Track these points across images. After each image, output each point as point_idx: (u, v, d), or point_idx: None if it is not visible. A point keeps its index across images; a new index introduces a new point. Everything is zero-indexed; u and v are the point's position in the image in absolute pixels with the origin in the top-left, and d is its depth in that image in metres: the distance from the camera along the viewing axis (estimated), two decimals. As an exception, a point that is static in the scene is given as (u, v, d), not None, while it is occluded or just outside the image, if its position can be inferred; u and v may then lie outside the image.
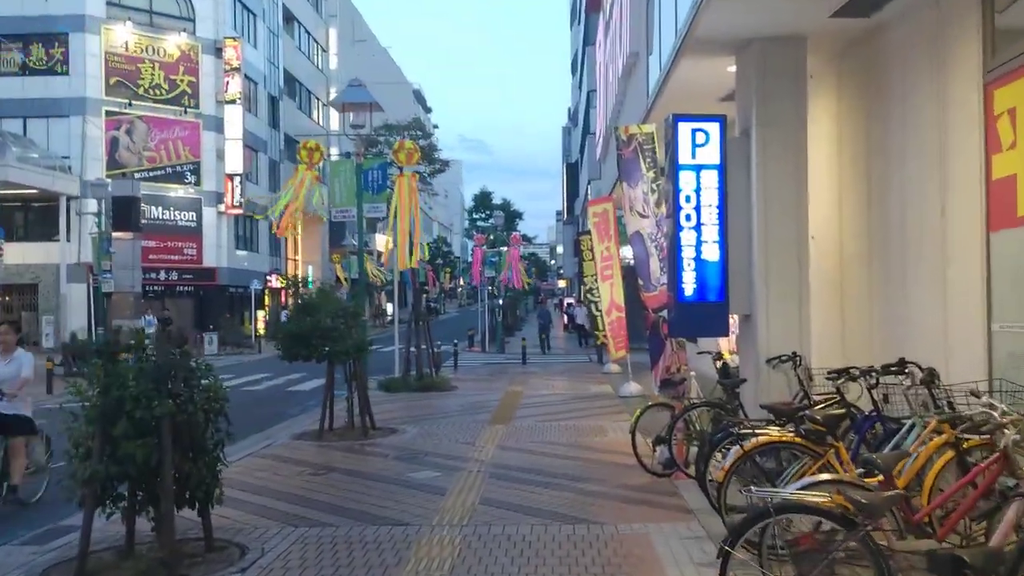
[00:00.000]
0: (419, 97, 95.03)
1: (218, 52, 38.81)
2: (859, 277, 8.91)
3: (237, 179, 39.42)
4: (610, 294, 15.98)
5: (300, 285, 48.55)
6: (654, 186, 9.73)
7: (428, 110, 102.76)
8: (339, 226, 54.17)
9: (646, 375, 19.83)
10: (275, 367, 21.85)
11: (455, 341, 26.00)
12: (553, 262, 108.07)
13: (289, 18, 49.67)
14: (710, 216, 8.67)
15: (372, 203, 14.10)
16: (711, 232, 8.67)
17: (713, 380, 12.35)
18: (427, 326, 18.46)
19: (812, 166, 8.77)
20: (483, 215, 40.81)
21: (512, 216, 41.49)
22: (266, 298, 44.73)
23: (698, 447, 7.96)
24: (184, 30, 37.97)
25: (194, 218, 38.15)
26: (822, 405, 7.46)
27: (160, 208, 37.29)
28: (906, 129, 7.80)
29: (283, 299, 47.98)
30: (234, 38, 39.25)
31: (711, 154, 8.68)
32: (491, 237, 35.30)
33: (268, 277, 44.55)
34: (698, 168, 8.68)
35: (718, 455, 6.53)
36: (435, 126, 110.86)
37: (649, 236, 10.00)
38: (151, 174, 37.08)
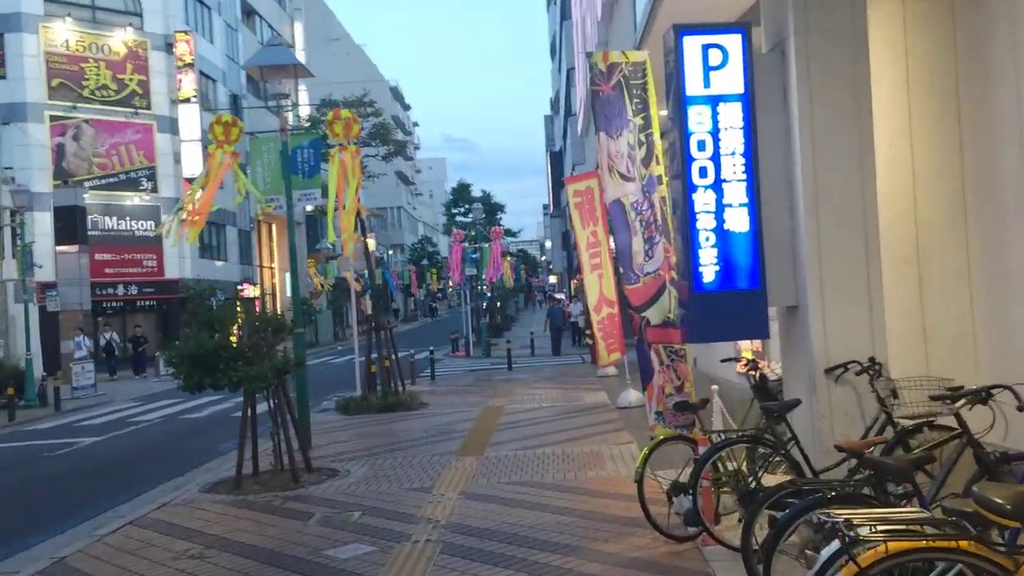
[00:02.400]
0: (396, 94, 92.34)
1: (169, 48, 36.14)
2: (947, 253, 6.34)
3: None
4: (599, 288, 13.40)
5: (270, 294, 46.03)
6: (642, 137, 7.11)
7: (407, 107, 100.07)
8: (315, 230, 51.51)
9: None
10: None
11: (431, 348, 23.38)
12: (543, 258, 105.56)
13: (249, 12, 46.92)
14: (734, 169, 6.08)
15: (304, 189, 11.54)
16: (737, 192, 6.09)
17: (737, 397, 9.78)
18: (389, 335, 15.84)
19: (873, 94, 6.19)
20: (462, 209, 38.12)
21: (494, 209, 38.81)
22: (238, 308, 42.01)
23: (740, 504, 5.40)
24: (130, 25, 35.26)
25: (153, 227, 35.42)
26: (933, 442, 4.90)
27: (115, 218, 34.65)
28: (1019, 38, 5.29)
29: (256, 309, 45.33)
30: (185, 32, 36.56)
31: (732, 80, 6.09)
32: (472, 233, 32.70)
33: (240, 287, 41.85)
34: (714, 100, 6.09)
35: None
36: (415, 124, 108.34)
37: (632, 207, 7.31)
38: (103, 181, 34.44)
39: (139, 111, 35.02)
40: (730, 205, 6.14)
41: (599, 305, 13.50)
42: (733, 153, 6.13)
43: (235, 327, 10.31)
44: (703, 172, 6.12)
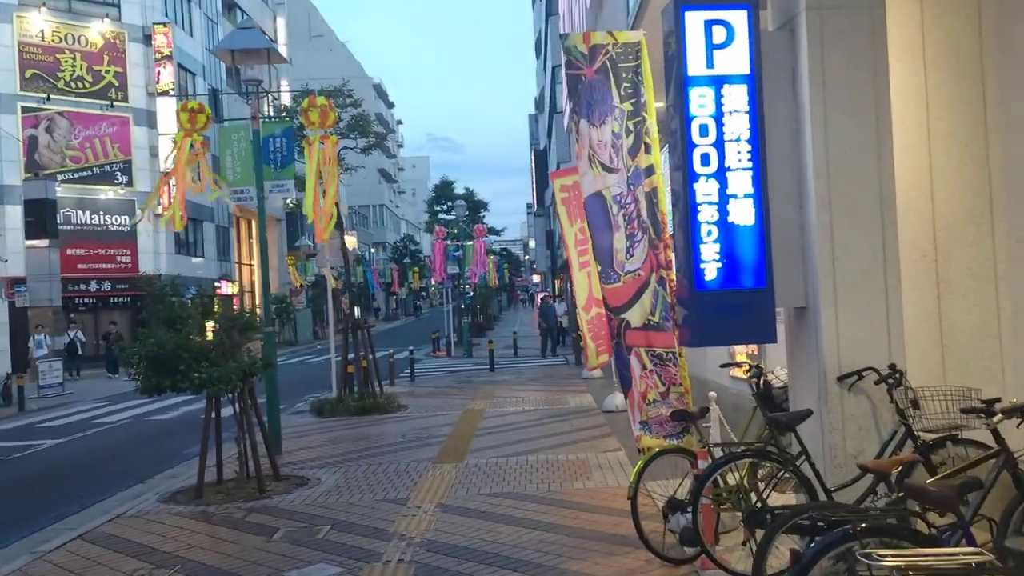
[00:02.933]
0: (380, 92, 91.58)
1: (147, 40, 35.31)
2: (969, 251, 5.82)
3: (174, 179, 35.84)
4: (588, 286, 12.85)
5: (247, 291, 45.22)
6: (630, 125, 6.54)
7: (390, 105, 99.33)
8: (295, 226, 50.72)
9: None
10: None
11: (411, 348, 22.77)
12: (527, 257, 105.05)
13: (230, 5, 46.12)
14: (739, 156, 5.54)
15: (276, 180, 10.91)
16: (741, 181, 5.55)
17: (731, 404, 9.27)
18: (367, 335, 15.23)
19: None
20: (445, 206, 37.42)
21: (477, 206, 38.16)
22: (216, 307, 41.22)
23: (745, 525, 4.88)
24: (108, 16, 34.44)
25: (127, 222, 34.58)
26: (964, 461, 4.39)
27: (88, 212, 33.82)
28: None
29: (234, 307, 44.55)
30: (164, 24, 35.76)
31: (737, 59, 5.55)
32: (454, 231, 32.09)
33: (217, 284, 41.06)
34: (718, 82, 5.54)
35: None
36: (399, 121, 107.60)
37: (615, 200, 6.67)
38: (77, 175, 33.60)
39: (115, 103, 34.17)
40: (734, 196, 5.60)
41: (588, 304, 12.95)
42: (738, 139, 5.59)
43: (205, 325, 9.73)
44: (705, 159, 5.57)
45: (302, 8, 76.63)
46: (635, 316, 6.49)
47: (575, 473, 8.91)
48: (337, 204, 14.56)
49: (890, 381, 5.13)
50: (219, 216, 42.28)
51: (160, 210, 35.64)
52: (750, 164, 5.61)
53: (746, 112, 5.60)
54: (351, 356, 15.03)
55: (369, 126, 14.18)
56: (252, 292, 50.56)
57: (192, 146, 11.00)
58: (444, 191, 38.41)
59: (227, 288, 42.29)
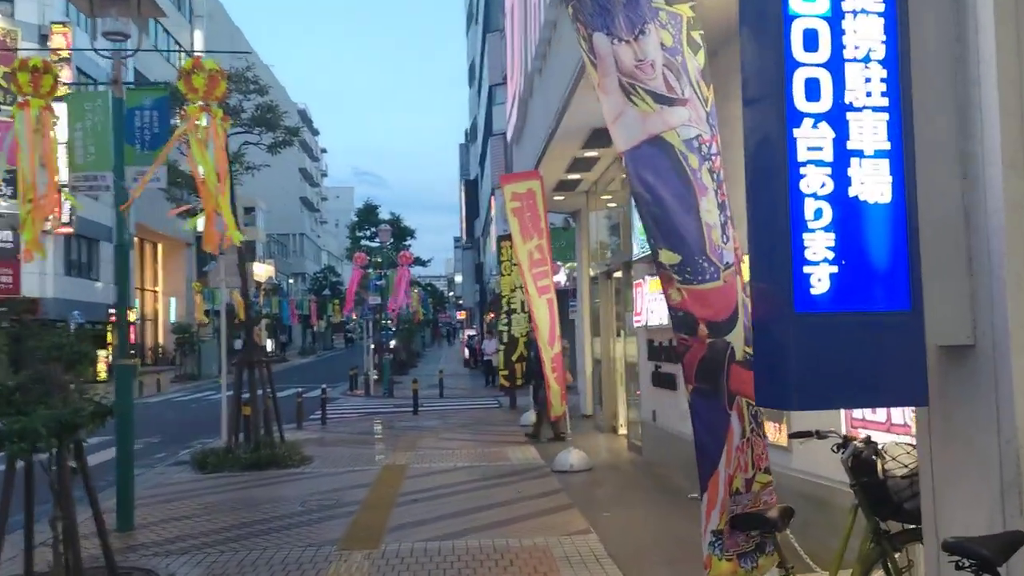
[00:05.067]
0: (305, 117, 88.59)
1: (43, 40, 32.09)
2: None
3: (67, 190, 32.39)
4: (550, 315, 10.53)
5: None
6: (697, 37, 4.15)
7: (315, 132, 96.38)
8: (200, 252, 47.24)
9: (589, 435, 14.56)
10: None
11: (324, 386, 19.99)
12: (452, 293, 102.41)
13: (143, 11, 42.89)
14: (868, 85, 3.28)
15: (144, 165, 8.27)
16: (872, 129, 3.28)
17: (794, 492, 6.89)
18: (267, 373, 12.52)
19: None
20: (368, 232, 34.82)
21: (403, 233, 35.59)
22: (109, 336, 37.52)
23: None
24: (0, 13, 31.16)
25: (10, 238, 30.94)
26: None
27: (-35, 226, 30.10)
28: None
29: (132, 336, 40.82)
30: (63, 23, 32.58)
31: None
32: (378, 259, 29.46)
33: (111, 310, 37.37)
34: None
35: None
36: (323, 150, 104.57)
37: (690, 146, 4.17)
38: (-47, 185, 29.88)
39: (2, 107, 30.69)
40: (860, 154, 3.30)
41: (551, 338, 10.59)
42: (867, 58, 3.30)
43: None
44: (812, 89, 3.27)
45: (225, 29, 73.40)
46: (739, 341, 4.06)
47: (536, 572, 6.43)
48: (234, 209, 11.93)
49: None
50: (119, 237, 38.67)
51: (48, 226, 32.02)
52: (885, 101, 3.32)
53: (880, 13, 3.32)
54: (248, 396, 12.29)
55: (279, 118, 11.82)
56: (155, 321, 46.81)
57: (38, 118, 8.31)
58: (368, 216, 35.75)
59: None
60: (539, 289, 10.66)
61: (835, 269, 3.26)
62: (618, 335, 14.11)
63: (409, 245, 35.28)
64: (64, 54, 32.12)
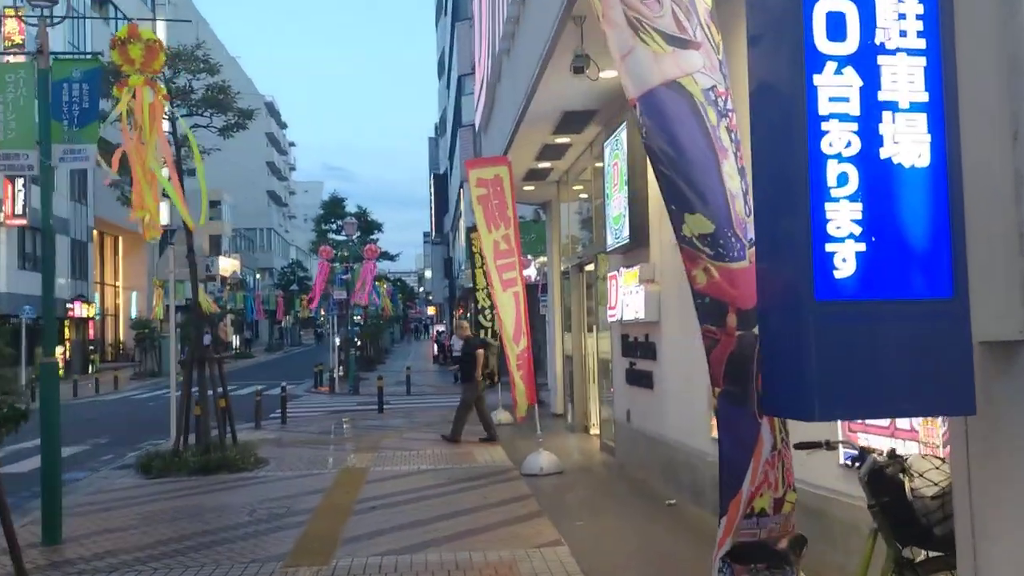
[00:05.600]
0: (272, 110, 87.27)
1: (-5, 21, 30.83)
2: None
3: (21, 182, 31.28)
4: (515, 310, 9.91)
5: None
6: None
7: (283, 125, 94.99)
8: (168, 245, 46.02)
9: (560, 435, 14.05)
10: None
11: (284, 383, 19.22)
12: (422, 289, 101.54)
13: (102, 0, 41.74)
14: (902, 23, 2.70)
15: (73, 144, 7.49)
16: (907, 76, 2.70)
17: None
18: (218, 369, 11.78)
19: None
20: (334, 225, 33.98)
21: (371, 227, 34.70)
22: (67, 331, 36.37)
23: None
24: (-56, -6, 29.92)
25: (-40, 231, 29.90)
26: None
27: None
28: None
29: (91, 332, 39.68)
30: (15, 8, 31.34)
31: None
32: (344, 253, 28.67)
33: (70, 305, 36.27)
34: None
35: None
36: (291, 143, 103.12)
37: (708, 98, 3.53)
38: (-102, 177, 28.76)
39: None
40: (893, 106, 2.71)
41: (516, 333, 9.97)
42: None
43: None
44: (836, 26, 2.68)
45: (190, 16, 72.04)
46: None
47: (501, 590, 5.82)
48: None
49: None
50: (76, 229, 37.56)
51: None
52: (923, 43, 2.75)
53: (917, -59, 2.73)
54: (211, 395, 11.55)
55: (231, 100, 11.06)
56: (115, 316, 45.60)
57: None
58: (334, 209, 34.84)
59: (82, 310, 37.50)
60: (504, 282, 10.04)
61: (862, 247, 2.67)
62: (590, 330, 13.54)
63: (377, 239, 34.51)
64: (17, 40, 30.97)
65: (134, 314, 45.04)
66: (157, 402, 23.56)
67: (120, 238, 45.75)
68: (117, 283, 46.14)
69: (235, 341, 57.75)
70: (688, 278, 3.47)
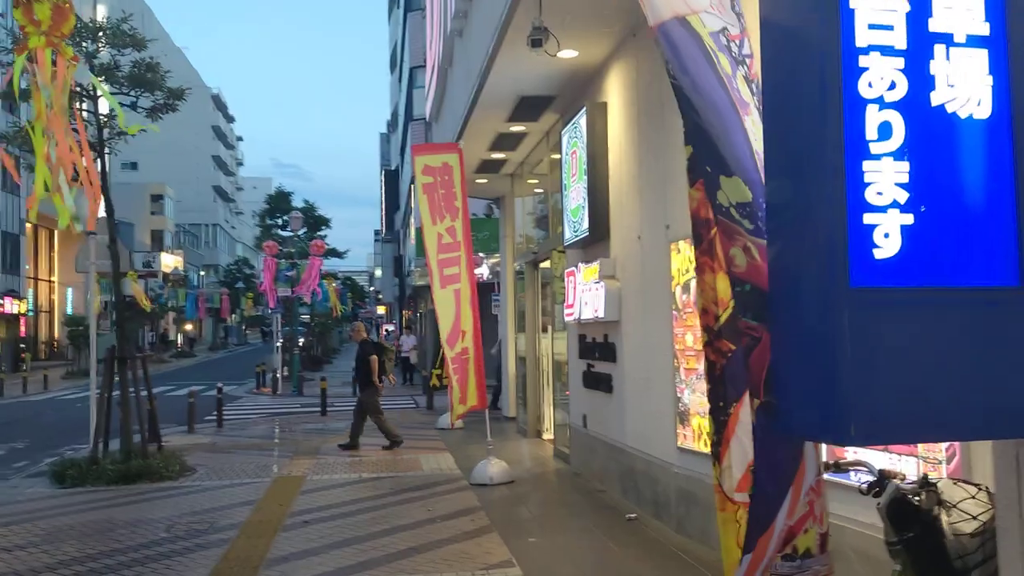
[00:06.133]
0: (219, 103, 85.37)
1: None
2: None
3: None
4: (455, 309, 9.22)
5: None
6: None
7: (230, 119, 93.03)
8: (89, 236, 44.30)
9: (511, 440, 13.14)
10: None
11: (219, 384, 18.26)
12: (372, 288, 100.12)
13: (39, -19, 40.01)
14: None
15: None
16: (964, 9, 2.11)
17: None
18: (142, 368, 10.91)
19: None
20: (280, 220, 32.84)
21: (318, 222, 33.56)
22: (-4, 327, 34.80)
23: None
24: None
25: None
26: None
27: None
28: None
29: (22, 329, 37.99)
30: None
31: None
32: (291, 250, 27.67)
33: (0, 300, 34.71)
34: None
35: None
36: (239, 138, 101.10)
37: (719, 43, 2.89)
38: None
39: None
40: (948, 39, 2.10)
41: (454, 335, 9.28)
42: None
43: None
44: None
45: (135, 7, 70.19)
46: None
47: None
48: (105, 181, 10.34)
49: None
50: (6, 220, 35.94)
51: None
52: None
53: None
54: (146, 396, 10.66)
55: (160, 78, 10.15)
56: (50, 312, 43.86)
57: None
58: (279, 203, 33.72)
59: (12, 306, 35.88)
60: (444, 278, 9.33)
61: (909, 219, 2.05)
62: (544, 331, 12.91)
63: (325, 235, 33.53)
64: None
65: (70, 310, 43.38)
66: (85, 403, 22.33)
67: (55, 232, 44.02)
68: (52, 278, 44.43)
69: (179, 339, 56.11)
70: (725, 260, 2.76)
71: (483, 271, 19.97)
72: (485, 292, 16.57)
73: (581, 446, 9.90)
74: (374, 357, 12.67)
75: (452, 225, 9.43)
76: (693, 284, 6.43)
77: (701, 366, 6.29)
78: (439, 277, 9.50)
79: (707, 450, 6.17)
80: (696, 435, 6.36)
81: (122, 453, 10.46)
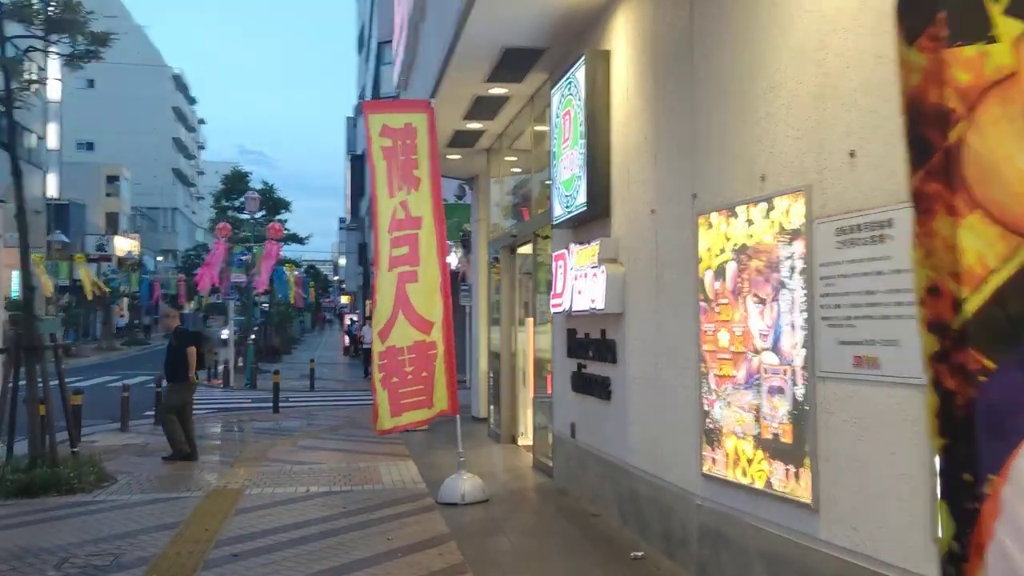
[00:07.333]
0: (180, 84, 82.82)
1: None
2: None
3: None
4: (394, 296, 7.77)
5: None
6: None
7: (192, 100, 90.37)
8: (63, 218, 42.13)
9: (483, 445, 11.25)
10: None
11: (160, 375, 16.61)
12: (336, 277, 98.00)
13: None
14: None
15: None
16: None
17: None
18: (57, 362, 9.32)
19: None
20: (236, 202, 30.92)
21: (277, 205, 31.64)
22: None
23: None
24: None
25: None
26: None
27: None
28: None
29: (-41, 313, 35.69)
30: None
31: None
32: (246, 233, 25.95)
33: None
34: None
35: None
36: (201, 120, 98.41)
37: None
38: None
39: None
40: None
41: (388, 326, 7.81)
42: None
43: None
44: None
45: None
46: None
47: None
48: (12, 143, 8.78)
49: None
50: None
51: None
52: None
53: None
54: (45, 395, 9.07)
55: (79, 21, 8.53)
56: (-7, 296, 41.55)
57: None
58: (236, 183, 31.80)
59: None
60: (392, 260, 7.83)
61: None
62: (522, 324, 11.50)
63: (286, 220, 31.76)
64: None
65: (16, 294, 41.13)
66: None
67: None
68: (-5, 260, 42.12)
69: (136, 325, 53.94)
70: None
71: (453, 260, 18.53)
72: (455, 282, 15.13)
73: (568, 459, 8.50)
74: (192, 349, 10.94)
75: (406, 199, 7.94)
76: (729, 267, 5.03)
77: (740, 373, 4.90)
78: (387, 258, 7.98)
79: (746, 481, 4.79)
80: (731, 461, 4.97)
81: (30, 460, 8.88)
